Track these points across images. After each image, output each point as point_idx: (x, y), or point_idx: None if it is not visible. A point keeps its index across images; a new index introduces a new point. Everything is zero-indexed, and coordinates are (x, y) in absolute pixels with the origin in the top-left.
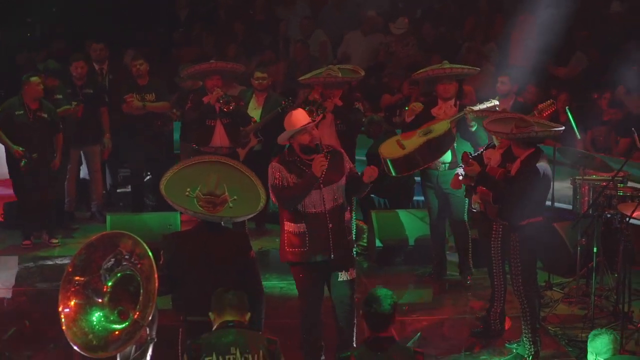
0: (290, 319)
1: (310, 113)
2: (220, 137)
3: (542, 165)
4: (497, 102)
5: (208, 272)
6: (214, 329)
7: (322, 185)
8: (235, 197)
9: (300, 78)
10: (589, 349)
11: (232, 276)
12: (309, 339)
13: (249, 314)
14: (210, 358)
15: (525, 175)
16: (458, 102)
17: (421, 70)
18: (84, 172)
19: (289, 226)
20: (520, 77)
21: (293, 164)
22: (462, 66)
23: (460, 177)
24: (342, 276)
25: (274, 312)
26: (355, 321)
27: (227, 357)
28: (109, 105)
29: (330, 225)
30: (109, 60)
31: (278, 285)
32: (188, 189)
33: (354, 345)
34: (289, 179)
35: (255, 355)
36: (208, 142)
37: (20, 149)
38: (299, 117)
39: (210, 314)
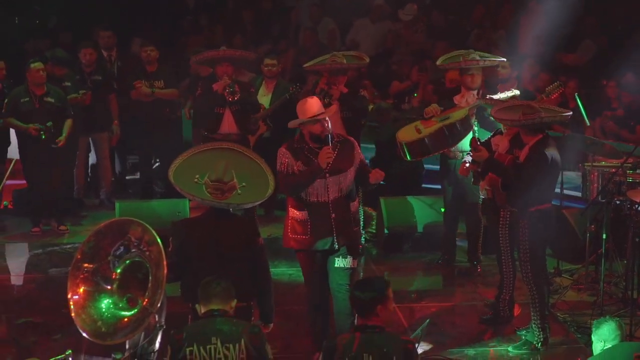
0: (298, 305)
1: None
2: (228, 124)
3: (551, 152)
4: (517, 92)
5: (216, 259)
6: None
7: (327, 175)
8: (244, 183)
9: (305, 65)
10: (594, 338)
11: (241, 263)
12: (315, 325)
13: (234, 302)
14: (191, 349)
15: (534, 161)
16: (481, 91)
17: (450, 61)
18: (93, 159)
19: (293, 213)
20: (530, 65)
21: (301, 150)
22: (494, 58)
23: (467, 165)
24: (339, 262)
25: (282, 299)
26: (354, 313)
27: (207, 347)
28: (118, 92)
29: (333, 215)
30: (117, 47)
31: (287, 272)
32: (197, 176)
33: None
34: (295, 166)
35: (237, 345)
36: (217, 129)
37: (34, 125)
38: (313, 105)
39: (197, 305)
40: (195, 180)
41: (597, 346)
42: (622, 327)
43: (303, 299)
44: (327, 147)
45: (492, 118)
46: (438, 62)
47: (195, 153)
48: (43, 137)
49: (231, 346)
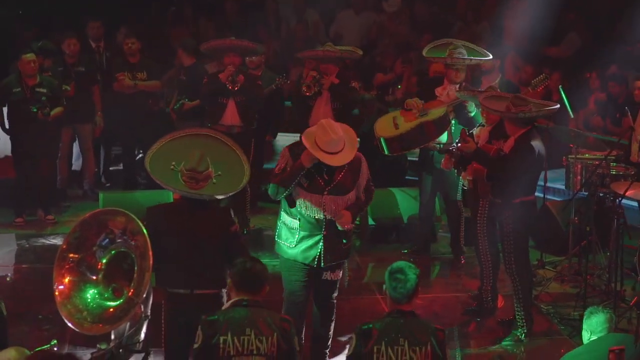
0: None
1: (307, 88)
2: (231, 115)
3: (537, 144)
4: (496, 85)
5: (189, 245)
6: (227, 305)
7: (326, 193)
8: (219, 172)
9: (299, 54)
10: (584, 326)
11: (214, 251)
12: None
13: (267, 289)
14: (225, 338)
15: (520, 153)
16: (463, 84)
17: (437, 51)
18: (76, 150)
19: (284, 216)
20: (513, 57)
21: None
22: (480, 56)
23: (453, 151)
24: (326, 275)
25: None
26: (333, 319)
27: (242, 338)
28: (101, 84)
29: (325, 232)
30: (104, 38)
31: (270, 263)
32: (173, 163)
33: (329, 342)
34: (290, 166)
35: (270, 339)
36: (219, 120)
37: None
38: (338, 144)
39: (228, 282)
40: (172, 167)
41: (585, 336)
42: (612, 319)
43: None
44: (305, 153)
45: (472, 114)
46: (424, 52)
47: (174, 139)
48: (35, 110)
49: (264, 339)
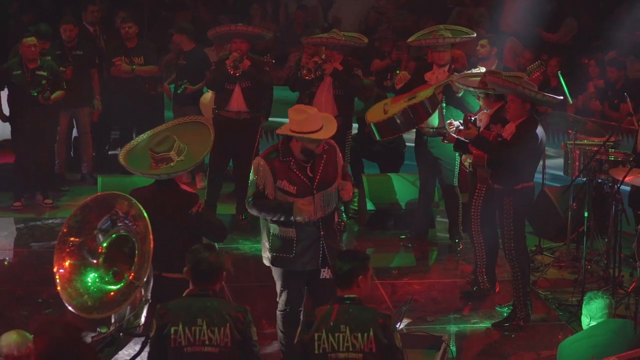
0: (266, 282)
1: (308, 72)
2: (237, 101)
3: (540, 131)
4: (484, 69)
5: (155, 227)
6: (184, 294)
7: (315, 191)
8: (182, 157)
9: (304, 39)
10: (584, 311)
11: (180, 233)
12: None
13: (223, 277)
14: (175, 328)
15: (524, 139)
16: (452, 67)
17: (414, 39)
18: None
19: (275, 228)
20: (512, 43)
21: (286, 166)
22: (457, 35)
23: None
24: (324, 274)
25: (254, 277)
26: None
27: (193, 328)
28: (99, 68)
29: (323, 233)
30: (100, 22)
31: (254, 246)
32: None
33: None
34: (272, 185)
35: (222, 329)
36: (225, 106)
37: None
38: (315, 118)
39: (184, 269)
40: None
41: (585, 321)
42: (612, 305)
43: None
44: (302, 201)
45: (460, 94)
46: (409, 40)
47: (171, 126)
48: (35, 93)
49: (216, 329)
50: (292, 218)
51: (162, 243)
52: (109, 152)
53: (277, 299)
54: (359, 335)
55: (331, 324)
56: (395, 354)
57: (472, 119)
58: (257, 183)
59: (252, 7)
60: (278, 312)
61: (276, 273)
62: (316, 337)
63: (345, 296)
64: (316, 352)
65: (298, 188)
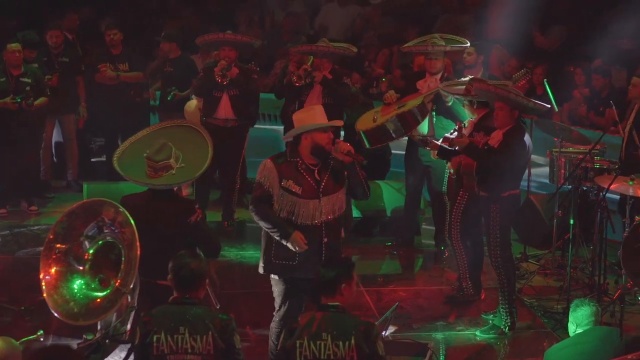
0: (251, 289)
1: (298, 78)
2: (225, 109)
3: (528, 138)
4: (469, 77)
5: (149, 235)
6: (169, 301)
7: (321, 195)
8: (183, 164)
9: (294, 48)
10: (570, 318)
11: (176, 241)
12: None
13: (205, 284)
14: (158, 336)
15: (513, 147)
16: (446, 75)
17: (409, 46)
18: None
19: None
20: (498, 50)
21: (293, 166)
22: (459, 44)
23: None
24: None
25: (252, 282)
26: None
27: (175, 336)
28: (85, 74)
29: (325, 240)
30: (79, 30)
31: (254, 255)
32: (147, 151)
33: None
34: (278, 186)
35: (204, 337)
36: (212, 113)
37: (8, 98)
38: (321, 112)
39: (168, 277)
40: (146, 154)
41: (571, 327)
42: (598, 312)
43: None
44: (301, 239)
45: (450, 103)
46: (403, 47)
47: (158, 129)
48: (19, 100)
49: (199, 337)
50: (286, 242)
51: (156, 250)
52: (95, 159)
53: (275, 312)
54: (340, 343)
55: (313, 331)
56: None
57: (463, 125)
58: (262, 183)
59: (239, 14)
60: (273, 324)
61: (277, 285)
62: (298, 345)
63: (329, 304)
64: (297, 359)
65: (304, 189)
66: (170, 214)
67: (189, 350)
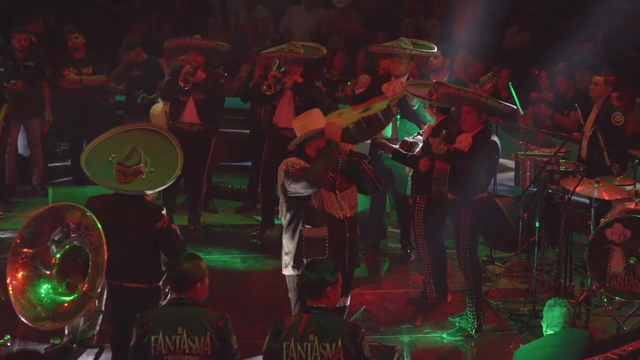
0: (236, 291)
1: (268, 87)
2: (190, 113)
3: (497, 139)
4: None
5: (115, 238)
6: (165, 302)
7: (337, 191)
8: (152, 169)
9: (262, 52)
10: (544, 317)
11: (143, 245)
12: None
13: (200, 285)
14: (156, 337)
15: (485, 150)
16: (411, 79)
17: (379, 45)
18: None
19: (308, 231)
20: (463, 54)
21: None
22: (425, 49)
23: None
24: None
25: (219, 286)
26: None
27: (173, 337)
28: (50, 79)
29: (348, 234)
30: (42, 34)
31: (221, 259)
32: (113, 155)
33: None
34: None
35: (202, 338)
36: (178, 117)
37: None
38: (317, 118)
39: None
40: (110, 159)
41: (543, 326)
42: (570, 314)
43: (241, 285)
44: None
45: (415, 107)
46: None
47: (122, 132)
48: None
49: (197, 338)
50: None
51: (123, 254)
52: (59, 164)
53: (293, 307)
54: (327, 345)
55: (300, 333)
56: None
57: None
58: (292, 169)
59: (208, 20)
60: None
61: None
62: (284, 347)
63: (314, 306)
64: None
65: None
66: (137, 219)
67: (187, 351)
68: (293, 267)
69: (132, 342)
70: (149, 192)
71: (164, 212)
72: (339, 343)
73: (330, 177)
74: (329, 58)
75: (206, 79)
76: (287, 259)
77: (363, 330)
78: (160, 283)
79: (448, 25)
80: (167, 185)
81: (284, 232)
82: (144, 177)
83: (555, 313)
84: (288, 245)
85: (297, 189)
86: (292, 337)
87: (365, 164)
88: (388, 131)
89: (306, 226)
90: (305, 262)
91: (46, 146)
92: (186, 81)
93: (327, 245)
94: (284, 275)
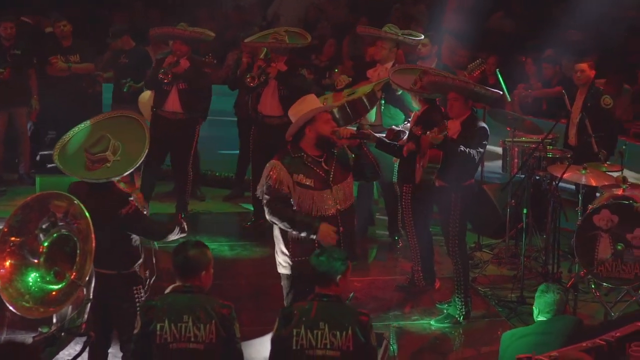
0: (224, 280)
1: (252, 79)
2: (173, 102)
3: (486, 125)
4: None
5: (93, 226)
6: (168, 290)
7: (332, 184)
8: (118, 157)
9: (246, 40)
10: (535, 302)
11: (107, 232)
12: None
13: (204, 273)
14: (162, 324)
15: (477, 136)
16: (396, 66)
17: (367, 27)
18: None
19: (295, 234)
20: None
21: (300, 161)
22: (414, 37)
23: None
24: None
25: None
26: None
27: (179, 325)
28: (37, 67)
29: (342, 229)
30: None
31: (209, 247)
32: (85, 142)
33: None
34: (289, 183)
35: (208, 326)
36: (162, 106)
37: None
38: (313, 102)
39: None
40: (84, 147)
41: (534, 312)
42: (562, 301)
43: (228, 273)
44: (328, 227)
45: (399, 92)
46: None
47: (100, 120)
48: None
49: (202, 326)
50: (314, 237)
51: (98, 240)
52: (47, 152)
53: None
54: (338, 333)
55: (310, 320)
56: (370, 353)
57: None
58: (271, 185)
59: (198, 9)
60: None
61: (290, 281)
62: (295, 333)
63: (324, 293)
64: (294, 347)
65: (315, 181)
66: (106, 206)
67: (192, 339)
68: (283, 267)
69: (136, 330)
70: (114, 178)
71: (131, 198)
72: (350, 331)
73: (322, 175)
74: (318, 45)
75: (189, 69)
76: (278, 259)
77: (371, 319)
78: (135, 269)
79: (436, 12)
80: (124, 174)
81: (273, 230)
82: (109, 165)
83: (547, 299)
84: (278, 244)
85: (267, 213)
86: (303, 324)
87: (367, 148)
88: (372, 116)
89: (292, 232)
90: (296, 262)
91: (37, 135)
92: (165, 74)
93: (316, 245)
94: (275, 266)
